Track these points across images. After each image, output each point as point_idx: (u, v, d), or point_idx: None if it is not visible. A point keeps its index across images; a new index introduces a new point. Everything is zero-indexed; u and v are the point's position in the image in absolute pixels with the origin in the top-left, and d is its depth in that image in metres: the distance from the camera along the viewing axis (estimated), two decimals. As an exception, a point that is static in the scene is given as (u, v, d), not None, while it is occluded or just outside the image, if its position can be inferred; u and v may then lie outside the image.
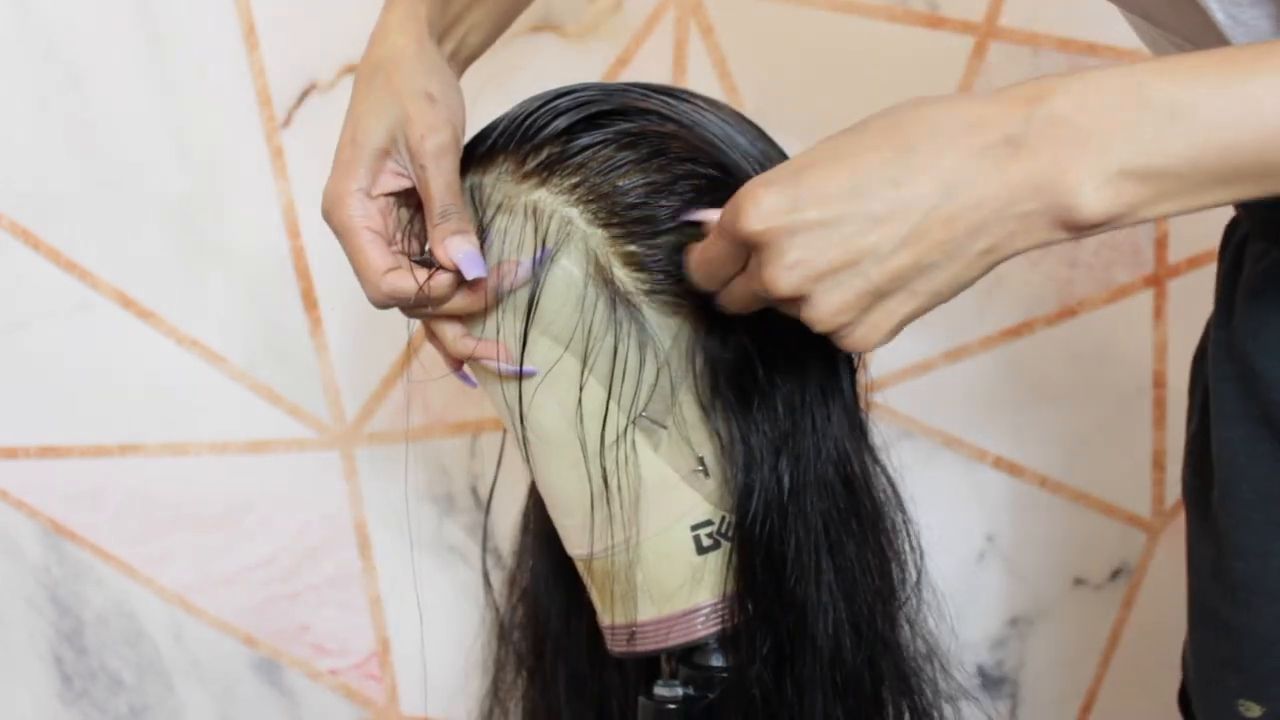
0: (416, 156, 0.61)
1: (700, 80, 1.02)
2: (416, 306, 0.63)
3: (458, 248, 0.61)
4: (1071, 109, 0.47)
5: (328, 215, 0.63)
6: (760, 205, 0.52)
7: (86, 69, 0.98)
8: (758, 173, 0.64)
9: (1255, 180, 0.47)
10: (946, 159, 0.49)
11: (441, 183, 0.61)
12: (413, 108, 0.61)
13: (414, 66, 0.63)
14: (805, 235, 0.51)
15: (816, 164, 0.52)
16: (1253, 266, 0.62)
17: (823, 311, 0.52)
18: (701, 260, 0.58)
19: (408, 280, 0.62)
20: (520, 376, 0.64)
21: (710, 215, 0.59)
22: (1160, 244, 1.06)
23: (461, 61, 0.70)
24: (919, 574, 0.70)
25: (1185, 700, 0.72)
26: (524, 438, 0.66)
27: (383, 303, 0.63)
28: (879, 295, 0.51)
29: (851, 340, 0.53)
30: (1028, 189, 0.48)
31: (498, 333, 0.64)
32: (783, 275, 0.52)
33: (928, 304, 0.52)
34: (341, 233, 0.63)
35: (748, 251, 0.54)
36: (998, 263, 0.51)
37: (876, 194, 0.50)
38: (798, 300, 0.53)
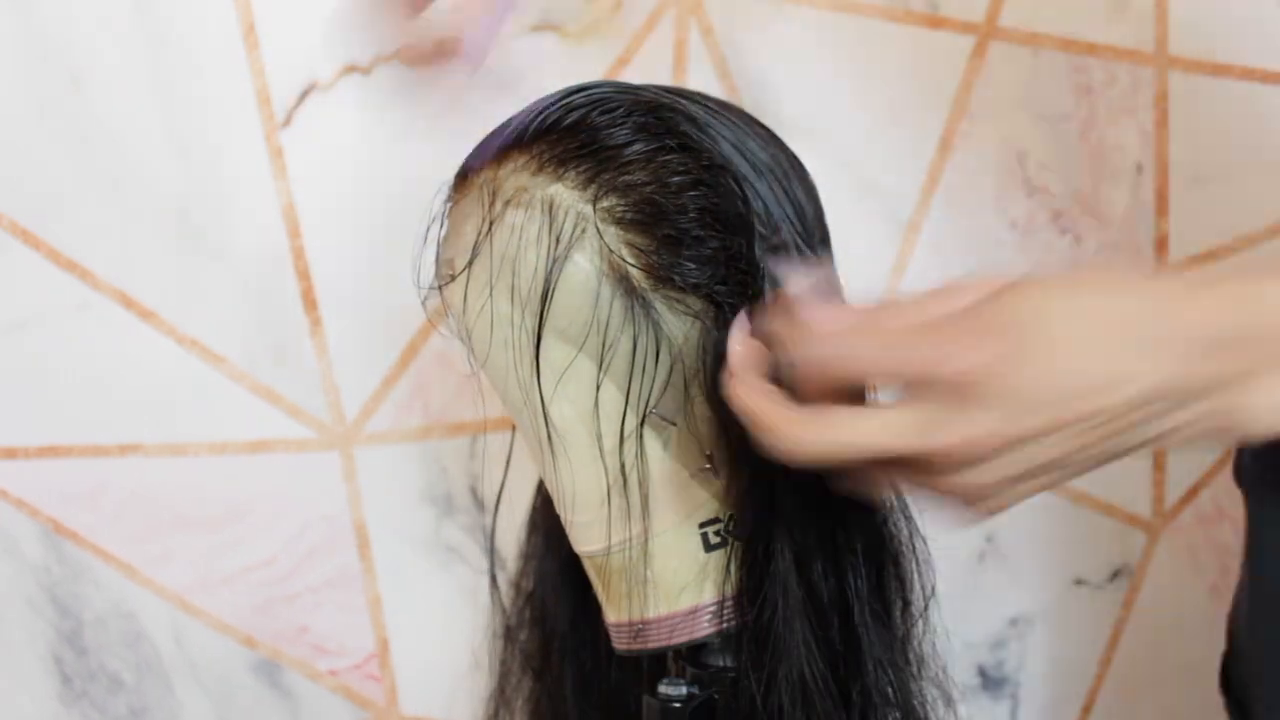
0: None
1: (700, 80, 1.02)
2: None
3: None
4: (1254, 322, 0.47)
5: None
6: (967, 429, 0.47)
7: (86, 69, 0.98)
8: (764, 178, 0.65)
9: None
10: (1152, 381, 0.47)
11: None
12: None
13: None
14: (1005, 399, 0.47)
15: (1011, 368, 0.47)
16: None
17: (968, 488, 0.49)
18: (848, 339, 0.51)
19: None
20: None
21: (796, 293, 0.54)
22: (1161, 244, 1.06)
23: None
24: (925, 585, 0.70)
25: (1226, 674, 0.70)
26: (539, 434, 0.66)
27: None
28: (1032, 477, 0.49)
29: (977, 507, 0.50)
30: (1207, 398, 0.47)
31: (512, 330, 0.65)
32: (966, 483, 0.48)
33: (1068, 480, 0.50)
34: None
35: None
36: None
37: (1077, 405, 0.47)
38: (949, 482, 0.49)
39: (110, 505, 1.03)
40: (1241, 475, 0.70)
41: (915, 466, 0.49)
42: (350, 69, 1.00)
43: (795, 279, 0.56)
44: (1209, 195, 1.05)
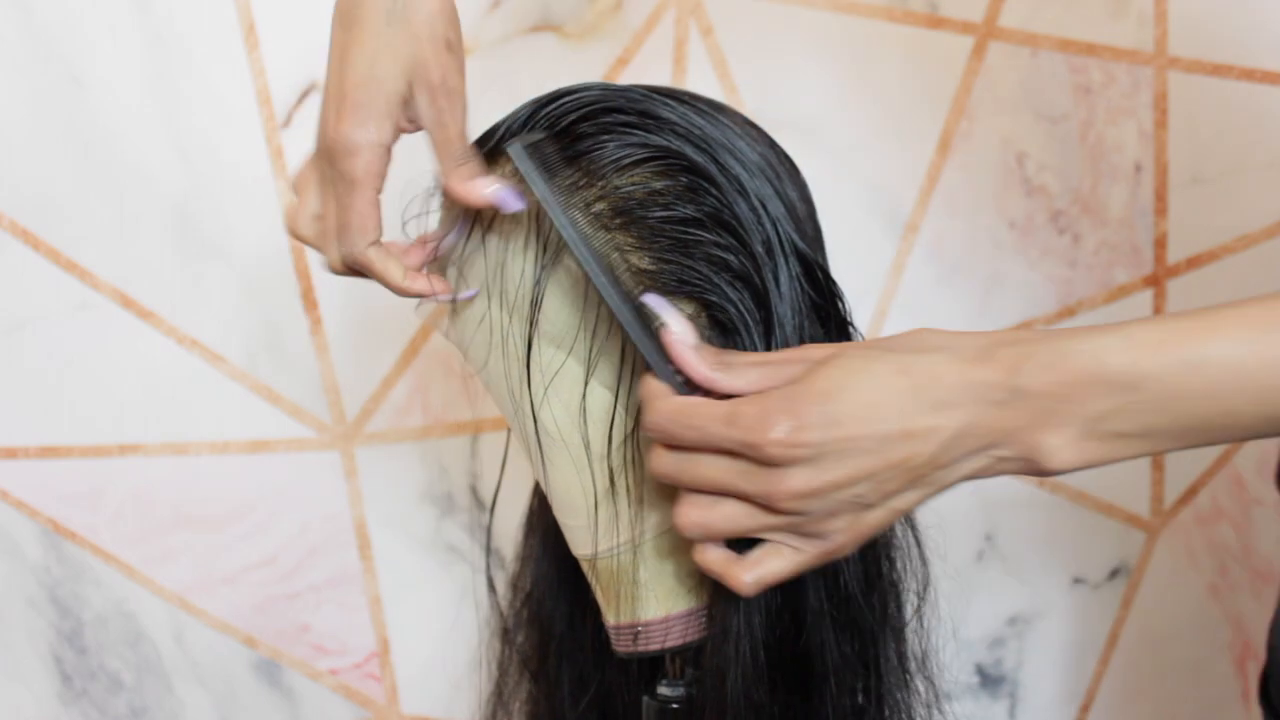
0: (437, 97, 0.61)
1: (700, 80, 1.02)
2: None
3: (487, 184, 0.61)
4: (1043, 383, 0.53)
5: (333, 156, 0.61)
6: (770, 417, 0.54)
7: (86, 69, 0.98)
8: (755, 178, 0.65)
9: (1204, 435, 0.53)
10: (957, 421, 0.54)
11: (459, 127, 0.62)
12: (431, 52, 0.61)
13: (438, 8, 0.62)
14: (815, 462, 0.54)
15: (830, 394, 0.55)
16: None
17: (814, 528, 0.55)
18: (684, 421, 0.57)
19: (386, 262, 0.63)
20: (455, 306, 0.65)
21: (667, 313, 0.60)
22: (1160, 244, 1.06)
23: None
24: (923, 578, 0.70)
25: (1265, 686, 0.71)
26: (535, 438, 0.66)
27: (351, 264, 0.63)
28: (864, 508, 0.56)
29: (824, 547, 0.56)
30: (1011, 439, 0.54)
31: (503, 336, 0.65)
32: (786, 495, 0.55)
33: (896, 518, 0.57)
34: (346, 180, 0.61)
35: (738, 450, 0.56)
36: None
37: (892, 445, 0.54)
38: (788, 516, 0.55)
39: (110, 505, 1.03)
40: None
41: (744, 470, 0.56)
42: (350, 69, 1.00)
43: (669, 332, 0.60)
44: (1208, 195, 1.05)
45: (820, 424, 0.54)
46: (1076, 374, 0.53)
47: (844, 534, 0.56)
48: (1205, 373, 0.52)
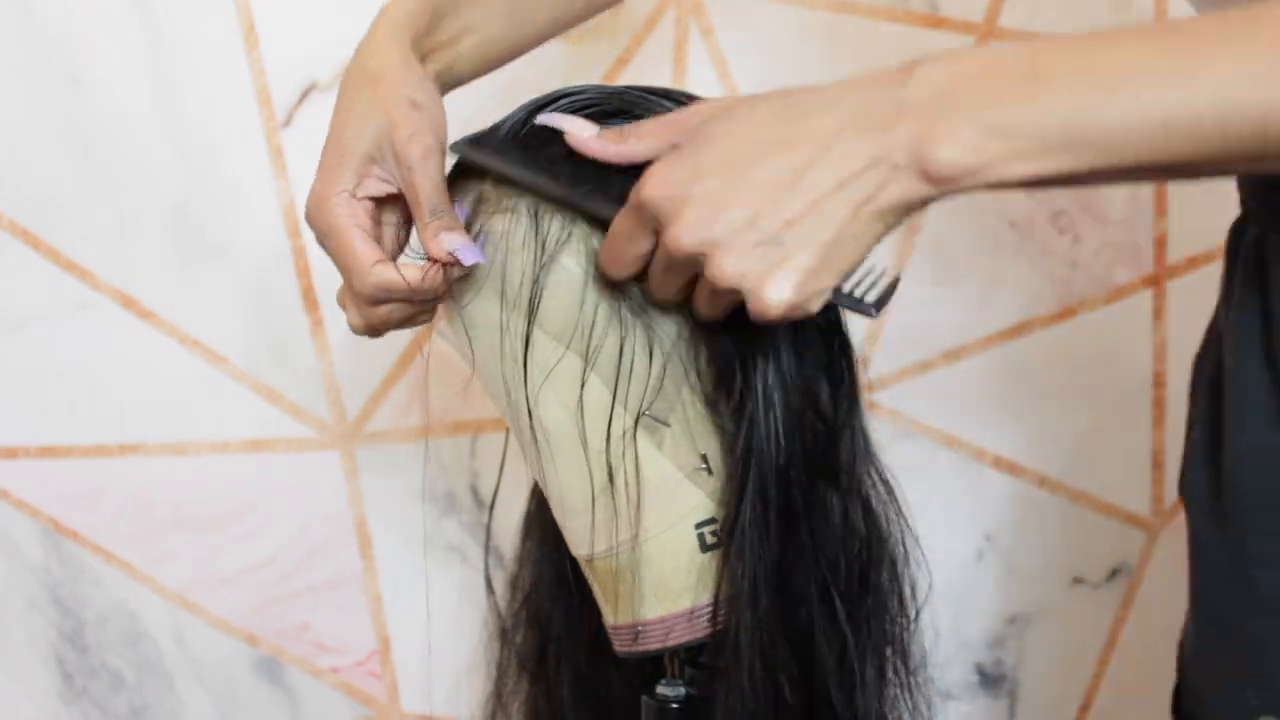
0: (403, 159, 0.62)
1: (700, 80, 1.02)
2: (404, 300, 0.64)
3: (451, 241, 0.62)
4: (943, 76, 0.52)
5: (312, 218, 0.64)
6: (659, 175, 0.56)
7: (86, 69, 0.98)
8: None
9: (1097, 150, 0.50)
10: (834, 123, 0.53)
11: (429, 184, 0.62)
12: (397, 113, 0.62)
13: (399, 76, 0.64)
14: (702, 197, 0.54)
15: (715, 138, 0.55)
16: None
17: (724, 266, 0.54)
18: (609, 242, 0.60)
19: (396, 271, 0.63)
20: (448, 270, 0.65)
21: (562, 121, 0.62)
22: (1160, 244, 1.06)
23: (443, 86, 0.70)
24: (915, 576, 0.71)
25: (1178, 702, 0.71)
26: (532, 437, 0.66)
27: (370, 295, 0.64)
28: (774, 244, 0.54)
29: (762, 299, 0.54)
30: (902, 144, 0.52)
31: (501, 333, 0.65)
32: (683, 234, 0.55)
33: (827, 258, 0.54)
34: (328, 233, 0.64)
35: (654, 227, 0.57)
36: (882, 215, 0.54)
37: (770, 158, 0.54)
38: (701, 257, 0.55)
39: (111, 505, 1.03)
40: (1182, 486, 0.70)
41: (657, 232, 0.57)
42: (350, 69, 1.00)
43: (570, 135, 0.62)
44: (1208, 195, 1.05)
45: (694, 163, 0.54)
46: (975, 65, 0.51)
47: (771, 282, 0.54)
48: (1105, 61, 0.50)
